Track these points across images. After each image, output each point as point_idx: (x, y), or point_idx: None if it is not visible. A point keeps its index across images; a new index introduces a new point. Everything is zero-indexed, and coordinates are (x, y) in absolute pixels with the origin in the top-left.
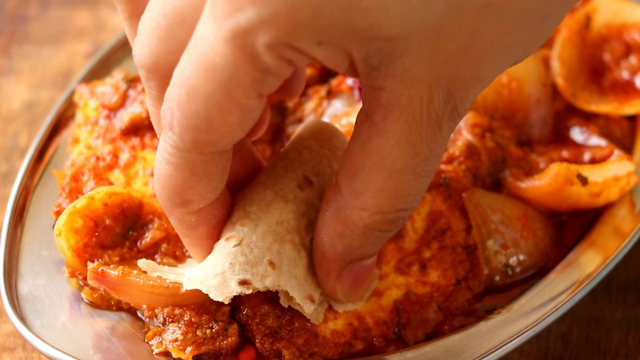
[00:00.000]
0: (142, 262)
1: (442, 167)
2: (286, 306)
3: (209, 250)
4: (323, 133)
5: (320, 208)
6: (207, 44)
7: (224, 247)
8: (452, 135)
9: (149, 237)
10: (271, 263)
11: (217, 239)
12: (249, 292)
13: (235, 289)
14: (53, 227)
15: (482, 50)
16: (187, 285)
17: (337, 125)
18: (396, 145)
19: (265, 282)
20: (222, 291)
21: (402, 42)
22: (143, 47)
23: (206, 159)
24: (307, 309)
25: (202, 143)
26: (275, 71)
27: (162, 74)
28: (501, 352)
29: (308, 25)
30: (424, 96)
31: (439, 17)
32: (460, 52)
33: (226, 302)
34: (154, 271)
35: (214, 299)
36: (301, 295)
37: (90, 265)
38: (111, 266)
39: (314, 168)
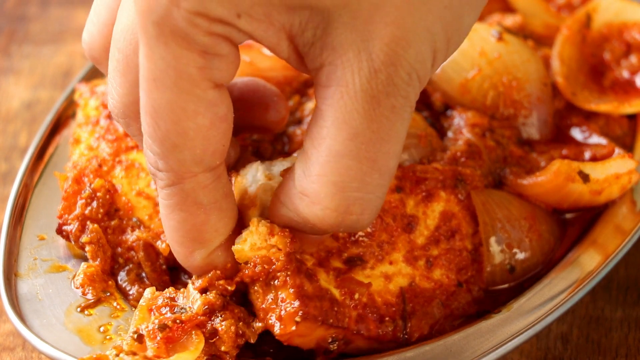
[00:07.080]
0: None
1: (459, 168)
2: None
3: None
4: None
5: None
6: (145, 57)
7: None
8: (450, 135)
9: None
10: None
11: None
12: None
13: None
14: (54, 228)
15: (395, 7)
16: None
17: None
18: (333, 124)
19: None
20: None
21: (326, 7)
22: (113, 97)
23: (202, 181)
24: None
25: (188, 161)
26: (213, 50)
27: (135, 114)
28: (501, 351)
29: None
30: (354, 63)
31: None
32: (375, 9)
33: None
34: None
35: None
36: None
37: None
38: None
39: None
